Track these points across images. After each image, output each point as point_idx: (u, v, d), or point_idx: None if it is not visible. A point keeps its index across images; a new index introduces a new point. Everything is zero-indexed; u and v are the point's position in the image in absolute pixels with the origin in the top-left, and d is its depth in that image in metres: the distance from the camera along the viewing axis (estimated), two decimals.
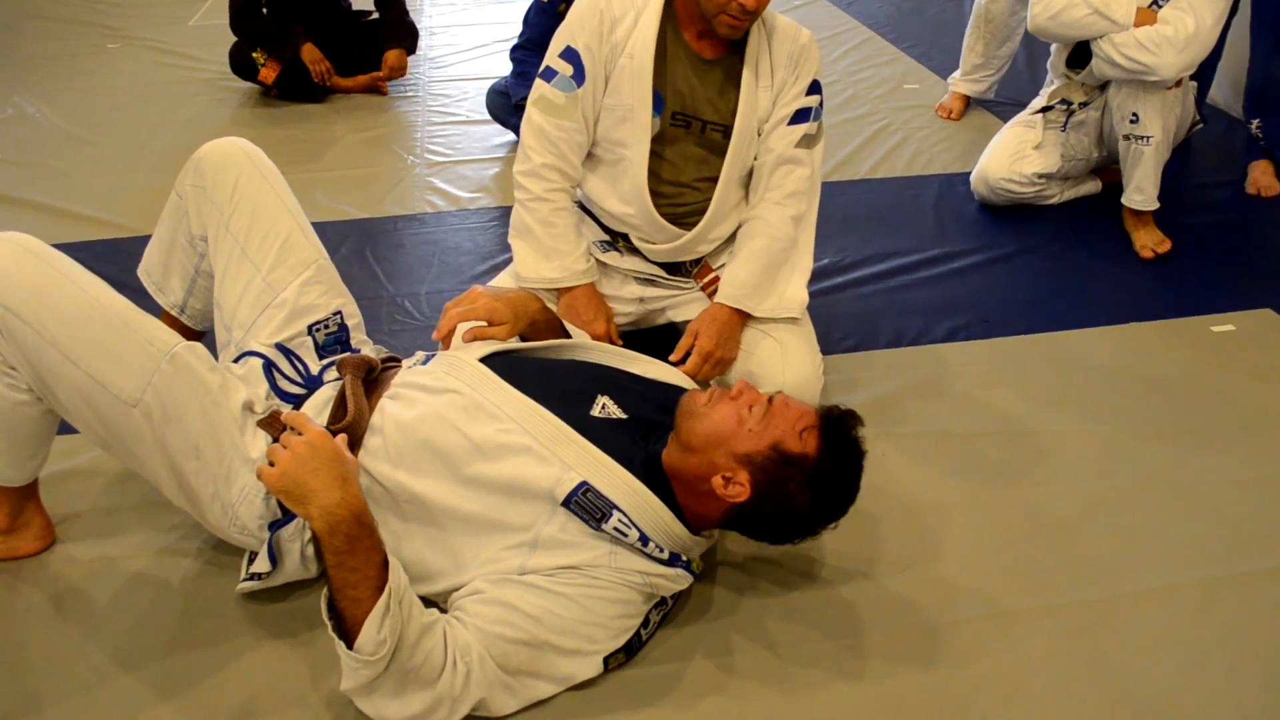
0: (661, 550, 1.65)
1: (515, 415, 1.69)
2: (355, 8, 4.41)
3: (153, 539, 1.97)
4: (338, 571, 1.48)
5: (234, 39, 4.11)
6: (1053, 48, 3.19)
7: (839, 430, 1.66)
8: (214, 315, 2.01)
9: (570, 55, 2.17)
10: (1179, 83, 2.87)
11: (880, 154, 3.68)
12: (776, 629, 1.80)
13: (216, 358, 1.92)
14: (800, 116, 2.21)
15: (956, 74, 4.05)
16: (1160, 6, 2.80)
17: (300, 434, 1.58)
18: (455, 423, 1.69)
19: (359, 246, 3.05)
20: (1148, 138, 2.91)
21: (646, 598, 1.69)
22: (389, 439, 1.73)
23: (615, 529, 1.61)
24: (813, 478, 1.63)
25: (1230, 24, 3.45)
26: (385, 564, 1.50)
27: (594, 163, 2.31)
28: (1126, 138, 2.96)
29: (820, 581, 1.90)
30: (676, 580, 1.70)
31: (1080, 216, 3.23)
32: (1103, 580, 1.91)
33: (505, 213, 3.11)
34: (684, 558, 1.69)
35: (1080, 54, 2.98)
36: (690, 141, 2.23)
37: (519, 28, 3.55)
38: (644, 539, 1.63)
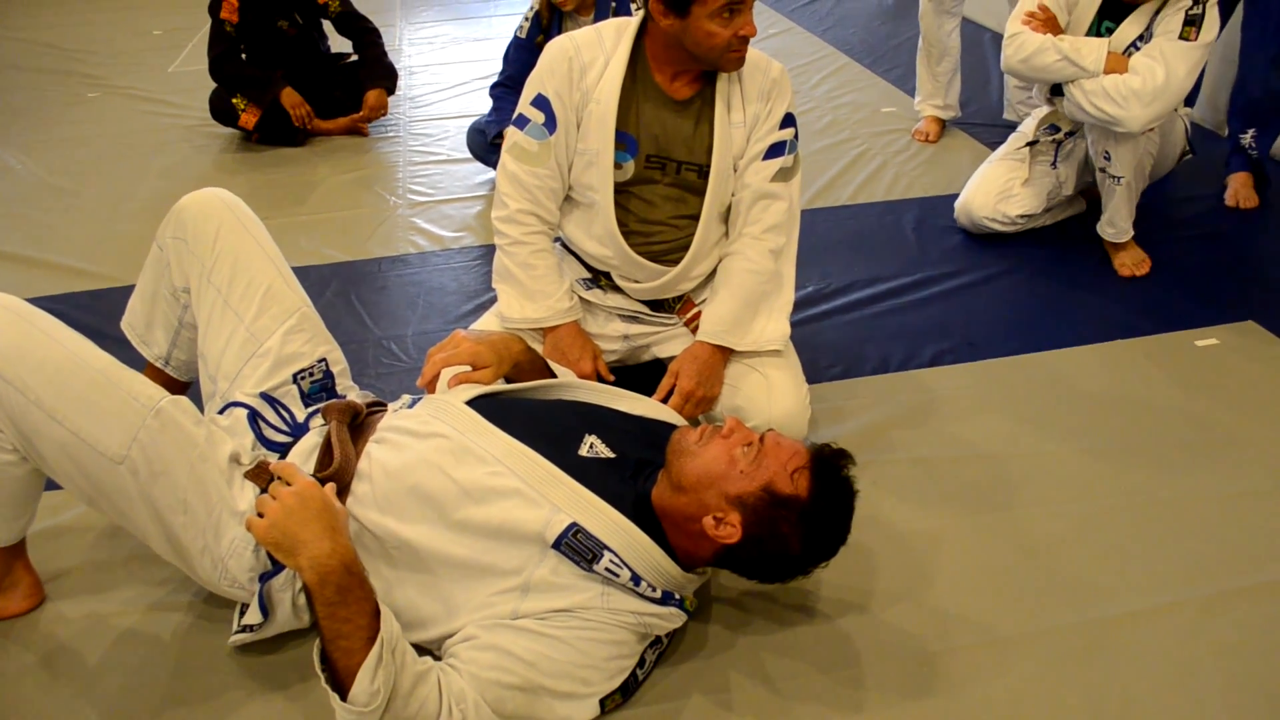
0: (654, 589, 1.65)
1: (502, 457, 1.69)
2: (334, 50, 4.43)
3: (143, 594, 1.95)
4: (329, 622, 1.47)
5: (214, 85, 4.13)
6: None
7: (830, 470, 1.65)
8: (198, 367, 2.00)
9: (541, 103, 2.18)
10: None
11: (860, 179, 3.71)
12: (772, 664, 1.79)
13: (202, 409, 1.92)
14: (775, 151, 2.21)
15: (918, 98, 4.11)
16: (1137, 49, 2.78)
17: (289, 484, 1.57)
18: (443, 467, 1.69)
19: (343, 290, 3.05)
20: (1119, 177, 2.92)
21: (641, 637, 1.68)
22: (377, 485, 1.72)
23: (607, 569, 1.61)
24: (804, 518, 1.62)
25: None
26: (377, 613, 1.49)
27: (570, 205, 2.32)
28: (1101, 170, 2.97)
29: (815, 615, 1.89)
30: (670, 619, 1.69)
31: (1062, 236, 3.24)
32: (1095, 602, 1.90)
33: (489, 251, 3.12)
34: (677, 596, 1.69)
35: None
36: (666, 182, 2.24)
37: (498, 65, 3.58)
38: (636, 579, 1.62)
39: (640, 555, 1.63)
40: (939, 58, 3.96)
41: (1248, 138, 3.42)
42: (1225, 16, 3.31)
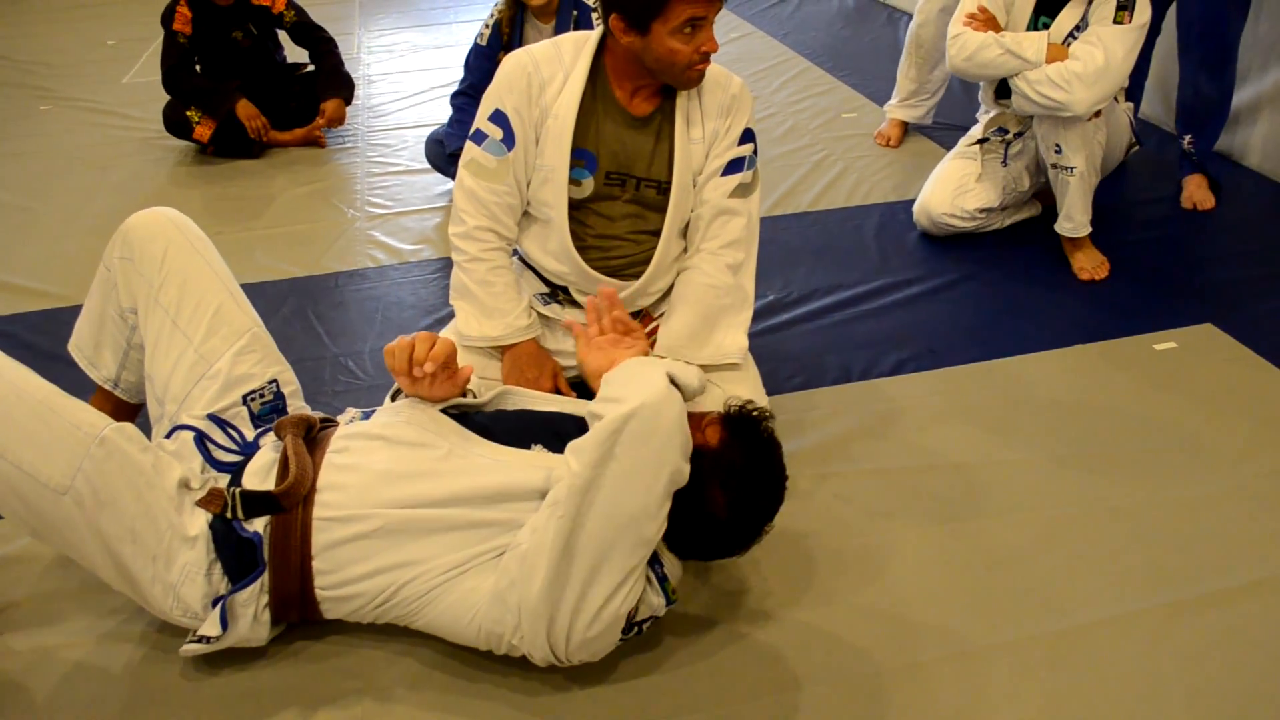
0: None
1: (486, 451, 1.72)
2: (290, 61, 4.38)
3: (93, 625, 1.91)
4: None
5: (168, 97, 4.07)
6: (981, 83, 3.22)
7: (743, 421, 1.67)
8: (145, 389, 1.96)
9: (499, 118, 2.16)
10: (1098, 113, 2.90)
11: (821, 186, 3.70)
12: (732, 681, 1.77)
13: (150, 432, 1.88)
14: (734, 166, 2.20)
15: (893, 101, 4.08)
16: (1074, 39, 2.83)
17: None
18: (423, 466, 1.71)
19: (300, 306, 3.01)
20: (1071, 168, 2.94)
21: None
22: (351, 492, 1.71)
23: None
24: (720, 470, 1.63)
25: (1155, 42, 3.52)
26: None
27: (528, 221, 2.29)
28: (1054, 166, 2.99)
29: (775, 629, 1.87)
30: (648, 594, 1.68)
31: (1021, 241, 3.25)
32: (1059, 612, 1.90)
33: (448, 264, 3.07)
34: (661, 569, 1.69)
35: (1008, 85, 3.02)
36: (625, 199, 2.22)
37: (458, 73, 3.54)
38: None
39: None
40: (933, 65, 3.93)
41: (1186, 142, 3.45)
42: (1161, 7, 3.35)
